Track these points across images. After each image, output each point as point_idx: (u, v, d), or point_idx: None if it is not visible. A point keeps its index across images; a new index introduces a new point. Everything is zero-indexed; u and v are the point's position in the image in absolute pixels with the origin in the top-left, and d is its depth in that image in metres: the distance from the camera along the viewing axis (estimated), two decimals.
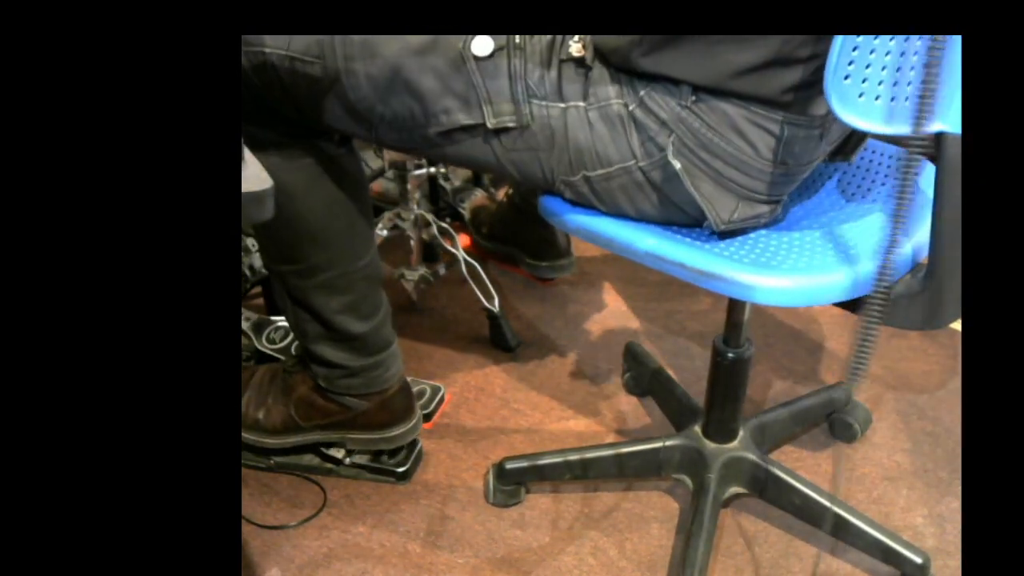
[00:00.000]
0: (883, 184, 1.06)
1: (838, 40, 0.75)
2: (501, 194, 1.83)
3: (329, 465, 1.31)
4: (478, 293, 1.56)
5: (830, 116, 0.92)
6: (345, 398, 1.24)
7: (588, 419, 1.44)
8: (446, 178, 1.75)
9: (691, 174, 0.91)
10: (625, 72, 0.92)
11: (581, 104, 0.93)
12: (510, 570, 1.18)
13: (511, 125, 0.94)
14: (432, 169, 1.63)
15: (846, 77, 0.77)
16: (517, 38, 0.93)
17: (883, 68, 0.78)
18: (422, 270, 1.63)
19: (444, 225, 1.62)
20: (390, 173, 1.61)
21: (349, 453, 1.30)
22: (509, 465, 1.25)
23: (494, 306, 1.56)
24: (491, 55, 0.92)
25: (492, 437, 1.40)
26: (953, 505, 1.29)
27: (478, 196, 1.85)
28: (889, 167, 1.08)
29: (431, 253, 1.68)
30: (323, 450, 1.30)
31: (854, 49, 0.76)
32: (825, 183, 1.09)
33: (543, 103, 0.93)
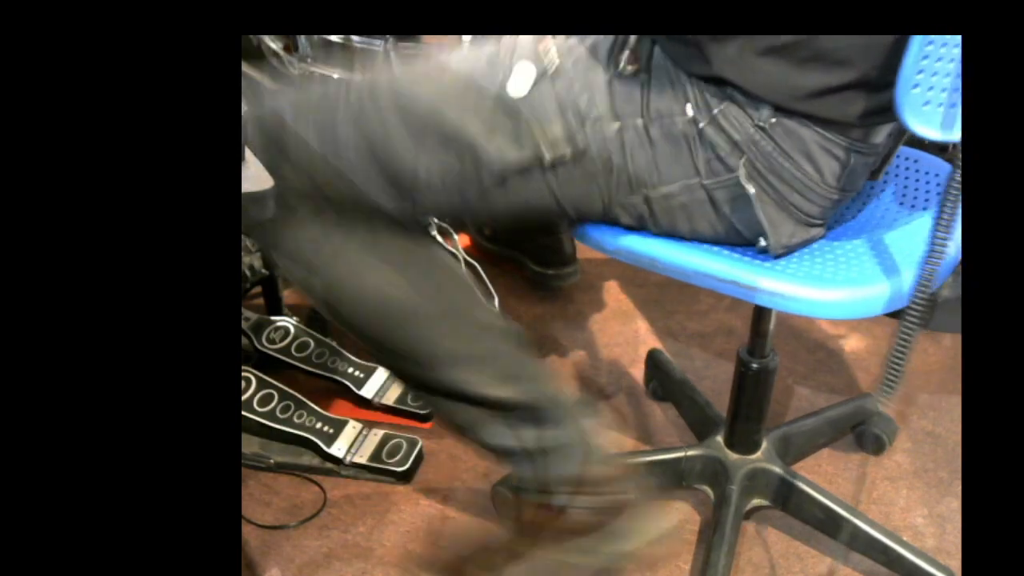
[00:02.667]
0: (927, 193, 1.06)
1: (913, 49, 0.75)
2: None
3: (329, 465, 1.31)
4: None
5: (884, 143, 0.92)
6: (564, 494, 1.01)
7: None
8: None
9: (760, 199, 0.88)
10: (694, 83, 0.87)
11: (639, 121, 0.87)
12: None
13: (567, 154, 0.87)
14: None
15: (915, 86, 0.77)
16: (552, 66, 0.86)
17: (947, 76, 0.78)
18: None
19: (444, 225, 1.62)
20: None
21: (351, 445, 1.29)
22: None
23: (494, 306, 1.56)
24: (529, 93, 0.86)
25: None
26: (953, 505, 1.29)
27: None
28: (937, 175, 1.07)
29: None
30: (324, 450, 1.30)
31: (924, 58, 0.76)
32: (870, 193, 1.08)
33: (597, 124, 0.87)
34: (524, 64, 0.86)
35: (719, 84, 0.86)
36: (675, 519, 1.07)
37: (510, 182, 0.88)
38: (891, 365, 0.85)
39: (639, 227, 0.95)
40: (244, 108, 0.88)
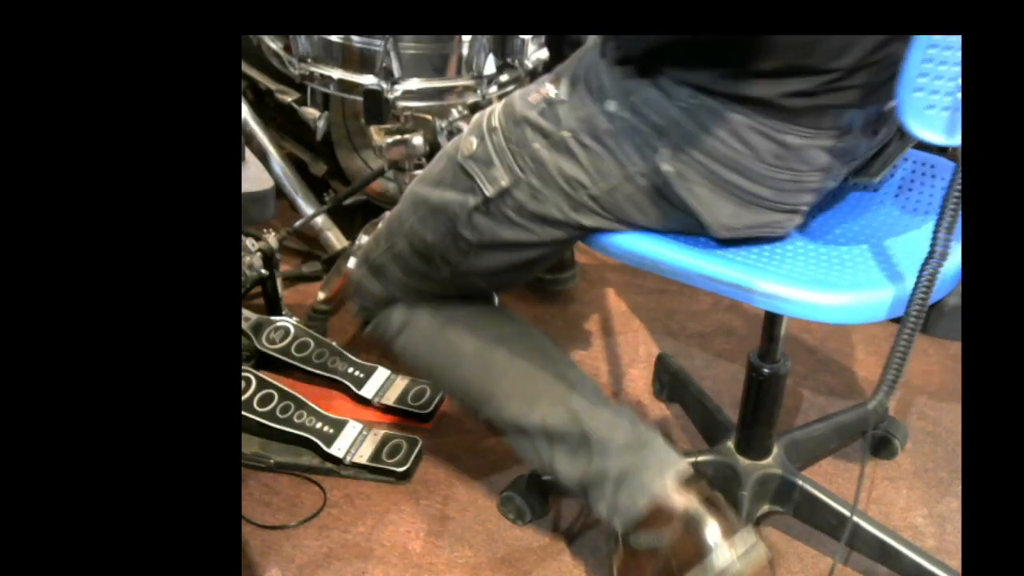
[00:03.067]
0: (931, 196, 1.05)
1: (916, 51, 0.75)
2: None
3: (329, 465, 1.31)
4: None
5: (842, 128, 0.90)
6: (638, 533, 1.00)
7: None
8: None
9: (684, 177, 0.90)
10: (613, 77, 0.91)
11: (566, 134, 0.93)
12: (510, 570, 1.18)
13: (504, 184, 0.97)
14: None
15: (917, 90, 0.77)
16: (492, 121, 0.98)
17: (951, 79, 0.77)
18: None
19: None
20: (390, 173, 1.61)
21: (351, 445, 1.29)
22: (541, 476, 1.23)
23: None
24: (476, 148, 0.99)
25: (492, 437, 1.40)
26: (953, 505, 1.29)
27: None
28: (943, 180, 1.07)
29: None
30: (324, 450, 1.30)
31: (927, 61, 0.75)
32: (877, 197, 1.07)
33: (525, 150, 0.95)
34: (471, 138, 1.00)
35: (642, 71, 0.90)
36: (758, 548, 0.98)
37: (478, 224, 1.00)
38: (890, 369, 0.85)
39: (607, 226, 0.97)
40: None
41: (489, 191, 0.98)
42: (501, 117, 0.99)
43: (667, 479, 0.99)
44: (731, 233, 0.93)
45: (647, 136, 0.90)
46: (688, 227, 0.96)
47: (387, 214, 1.14)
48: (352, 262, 1.43)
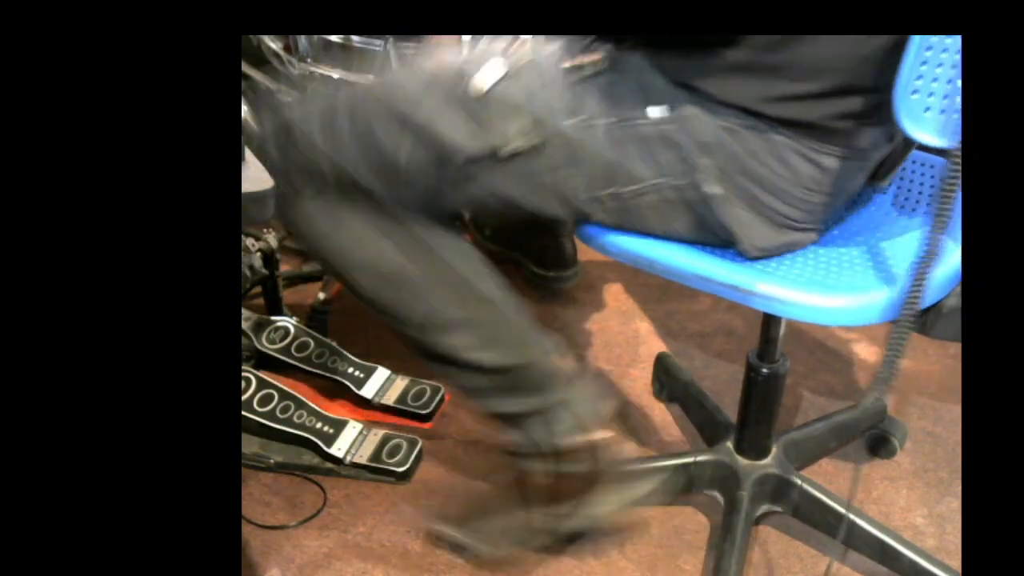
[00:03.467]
0: (931, 196, 1.05)
1: (909, 54, 0.74)
2: None
3: (329, 465, 1.31)
4: None
5: (871, 148, 0.91)
6: (558, 463, 1.06)
7: None
8: None
9: (727, 199, 0.88)
10: (664, 84, 0.88)
11: (601, 121, 0.89)
12: (510, 570, 1.18)
13: (523, 146, 0.89)
14: None
15: (914, 92, 0.77)
16: (521, 63, 0.89)
17: (948, 81, 0.77)
18: None
19: None
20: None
21: (351, 445, 1.29)
22: None
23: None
24: (495, 85, 0.89)
25: (492, 437, 1.40)
26: (953, 505, 1.29)
27: None
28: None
29: None
30: (324, 450, 1.30)
31: (923, 64, 0.75)
32: (875, 199, 1.07)
33: (558, 118, 0.89)
34: (495, 61, 0.90)
35: (689, 88, 0.87)
36: (649, 487, 1.10)
37: (475, 173, 0.92)
38: (883, 368, 0.85)
39: (615, 224, 0.96)
40: (254, 107, 1.00)
41: (501, 147, 0.90)
42: (527, 65, 0.89)
43: (589, 419, 1.06)
44: (761, 253, 0.92)
45: (689, 151, 0.88)
46: (707, 242, 0.95)
47: (343, 93, 0.98)
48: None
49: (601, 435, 1.06)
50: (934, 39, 0.75)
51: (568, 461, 1.06)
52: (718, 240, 0.94)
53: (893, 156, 1.00)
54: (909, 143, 0.99)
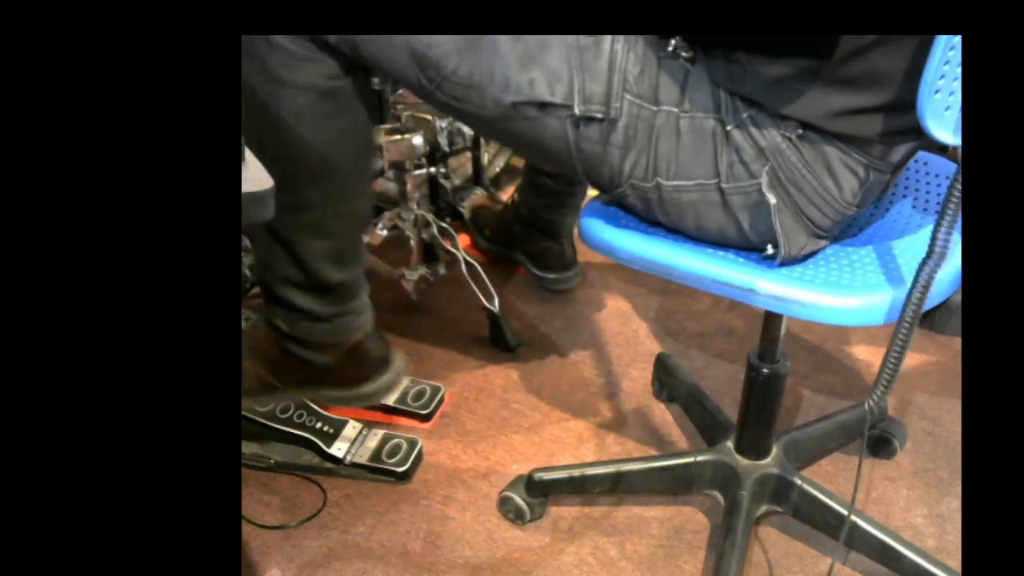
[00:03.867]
0: (939, 196, 1.05)
1: (935, 54, 0.74)
2: (506, 196, 1.83)
3: (329, 465, 1.31)
4: (478, 293, 1.56)
5: (900, 161, 0.92)
6: (304, 351, 1.18)
7: (588, 420, 1.44)
8: (446, 177, 1.75)
9: (780, 208, 0.89)
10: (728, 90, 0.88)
11: (674, 110, 0.89)
12: (510, 570, 1.18)
13: (598, 115, 0.88)
14: (432, 169, 1.63)
15: (936, 92, 0.77)
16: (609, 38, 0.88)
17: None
18: (422, 270, 1.63)
19: (444, 225, 1.62)
20: (390, 173, 1.61)
21: (351, 445, 1.29)
22: (540, 476, 1.23)
23: (494, 306, 1.56)
24: (594, 43, 0.88)
25: (492, 437, 1.40)
26: (953, 505, 1.29)
27: (478, 195, 1.85)
28: (948, 178, 1.06)
29: (431, 253, 1.68)
30: (324, 450, 1.30)
31: (945, 63, 0.75)
32: (885, 200, 1.08)
33: (637, 101, 0.88)
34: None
35: (749, 101, 0.87)
36: (401, 365, 1.26)
37: (530, 111, 0.90)
38: (886, 367, 0.85)
39: (644, 211, 0.95)
40: None
41: (579, 109, 0.88)
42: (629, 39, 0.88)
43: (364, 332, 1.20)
44: (788, 259, 0.93)
45: (747, 156, 0.88)
46: (738, 245, 0.95)
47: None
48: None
49: (381, 341, 1.23)
50: (956, 39, 0.75)
51: (346, 358, 1.19)
52: (748, 244, 0.94)
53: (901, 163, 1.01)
54: (912, 152, 1.00)
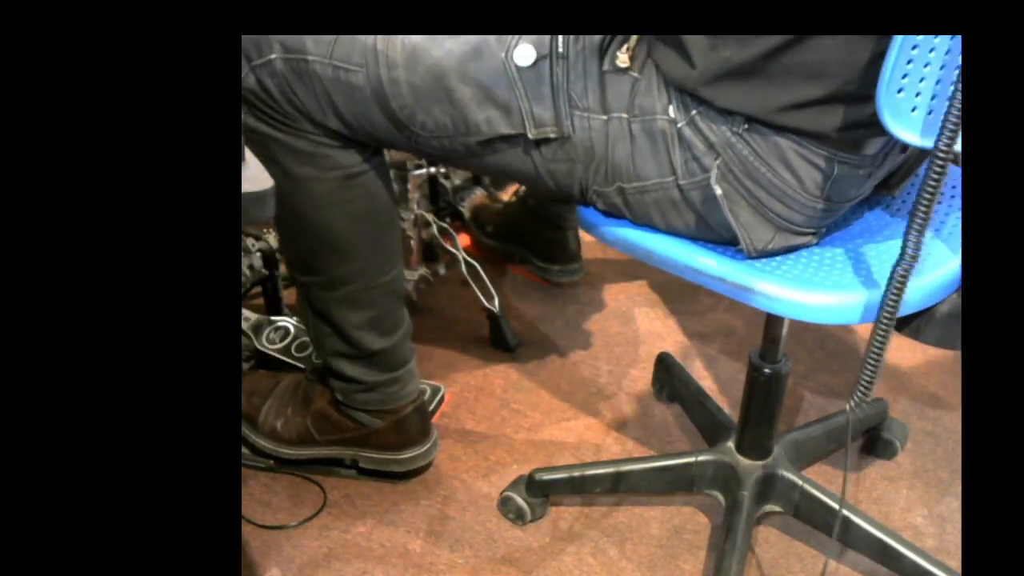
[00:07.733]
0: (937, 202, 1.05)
1: (893, 52, 0.74)
2: (508, 195, 1.83)
3: (329, 465, 1.31)
4: (478, 293, 1.56)
5: (879, 156, 0.91)
6: (360, 414, 1.23)
7: (588, 420, 1.44)
8: (446, 177, 1.75)
9: (731, 200, 0.90)
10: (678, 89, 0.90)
11: (624, 116, 0.91)
12: (510, 570, 1.18)
13: (552, 136, 0.93)
14: (432, 169, 1.63)
15: (899, 91, 0.76)
16: (560, 46, 0.91)
17: (937, 82, 0.77)
18: (422, 270, 1.63)
19: (444, 225, 1.62)
20: (391, 173, 1.60)
21: (361, 472, 1.29)
22: (540, 477, 1.23)
23: (494, 306, 1.56)
24: (534, 64, 0.92)
25: (492, 437, 1.40)
26: (953, 505, 1.29)
27: (478, 195, 1.85)
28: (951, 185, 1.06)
29: (431, 253, 1.68)
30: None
31: (909, 63, 0.75)
32: (881, 202, 1.07)
33: (585, 114, 0.92)
34: (525, 46, 0.92)
35: (696, 98, 0.89)
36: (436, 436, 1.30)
37: (496, 145, 0.96)
38: (865, 369, 0.85)
39: (615, 215, 0.98)
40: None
41: (531, 133, 0.94)
42: (572, 46, 0.91)
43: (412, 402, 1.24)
44: (760, 254, 0.94)
45: (699, 152, 0.90)
46: (708, 239, 0.96)
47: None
48: None
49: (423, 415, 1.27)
50: (920, 39, 0.75)
51: (387, 423, 1.23)
52: (719, 238, 0.96)
53: (906, 166, 1.00)
54: (924, 152, 0.99)
